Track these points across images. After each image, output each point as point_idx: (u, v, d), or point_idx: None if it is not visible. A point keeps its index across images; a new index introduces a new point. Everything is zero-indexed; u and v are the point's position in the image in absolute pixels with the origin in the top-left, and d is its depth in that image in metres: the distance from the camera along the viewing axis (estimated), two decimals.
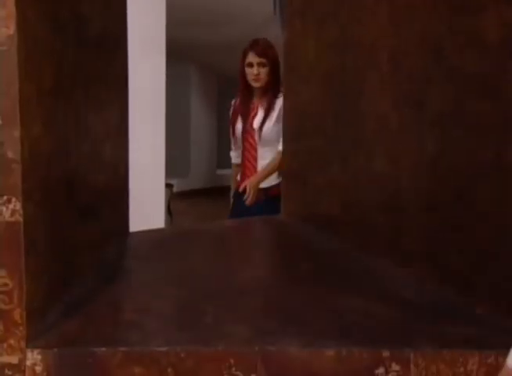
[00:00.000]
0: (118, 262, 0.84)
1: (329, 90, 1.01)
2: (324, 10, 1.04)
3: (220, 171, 9.12)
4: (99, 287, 0.68)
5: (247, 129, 2.47)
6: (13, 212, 0.48)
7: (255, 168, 2.49)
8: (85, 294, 0.64)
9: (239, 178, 2.60)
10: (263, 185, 2.44)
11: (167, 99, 3.14)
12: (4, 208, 0.48)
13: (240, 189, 2.40)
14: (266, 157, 2.45)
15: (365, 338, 0.53)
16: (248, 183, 2.40)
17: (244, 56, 2.44)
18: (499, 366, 0.50)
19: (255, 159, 2.48)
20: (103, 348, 0.49)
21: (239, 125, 2.52)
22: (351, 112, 0.93)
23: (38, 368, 0.49)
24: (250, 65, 2.40)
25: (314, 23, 1.08)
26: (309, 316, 0.60)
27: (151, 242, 1.01)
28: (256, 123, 2.43)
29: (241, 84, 2.49)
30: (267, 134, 2.40)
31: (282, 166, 1.55)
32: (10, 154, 0.48)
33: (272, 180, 2.42)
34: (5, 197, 0.48)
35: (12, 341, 0.49)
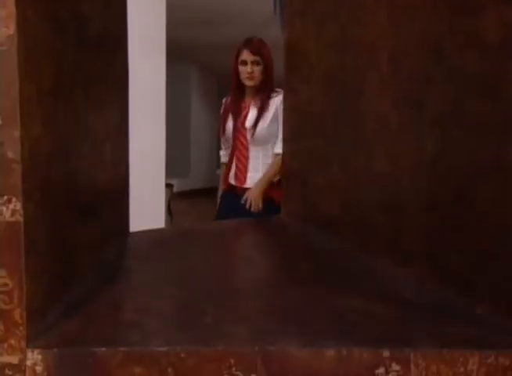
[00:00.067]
0: (118, 262, 0.84)
1: (330, 90, 1.01)
2: (324, 10, 1.04)
3: (220, 171, 9.14)
4: (99, 287, 0.68)
5: (239, 128, 2.43)
6: (13, 212, 0.48)
7: (246, 167, 2.44)
8: (85, 294, 0.64)
9: (230, 177, 2.57)
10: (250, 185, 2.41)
11: (167, 99, 3.15)
12: (4, 208, 0.48)
13: (242, 201, 2.37)
14: (258, 156, 2.42)
15: (366, 338, 0.53)
16: (250, 197, 2.36)
17: (238, 53, 2.40)
18: (499, 366, 0.50)
19: (247, 158, 2.44)
20: (103, 348, 0.49)
21: (229, 124, 2.47)
22: (351, 112, 0.93)
23: (39, 368, 0.49)
24: (244, 63, 2.35)
25: (314, 23, 1.08)
26: (309, 316, 0.60)
27: (151, 242, 1.01)
28: (248, 122, 2.39)
29: (233, 83, 2.44)
30: (260, 134, 2.36)
31: (281, 171, 1.47)
32: (10, 154, 0.48)
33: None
34: (5, 197, 0.48)
35: (12, 341, 0.49)
